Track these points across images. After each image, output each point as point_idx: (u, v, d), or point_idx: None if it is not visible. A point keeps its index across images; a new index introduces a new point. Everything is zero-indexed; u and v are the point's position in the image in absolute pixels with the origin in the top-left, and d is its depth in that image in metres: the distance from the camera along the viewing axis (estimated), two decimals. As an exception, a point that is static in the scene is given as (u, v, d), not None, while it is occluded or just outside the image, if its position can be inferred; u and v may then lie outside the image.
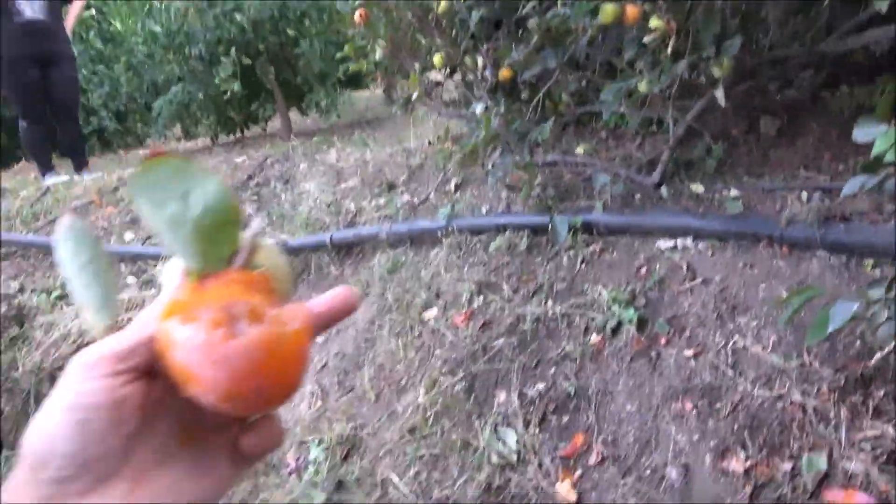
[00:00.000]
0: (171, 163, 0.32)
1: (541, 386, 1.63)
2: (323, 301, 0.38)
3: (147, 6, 4.99)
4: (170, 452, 0.35)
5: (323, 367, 2.26)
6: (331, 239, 2.77)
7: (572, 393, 1.59)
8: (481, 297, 2.01)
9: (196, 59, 4.74)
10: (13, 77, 4.12)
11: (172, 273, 0.35)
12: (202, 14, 4.53)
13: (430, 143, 3.58)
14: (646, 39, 1.88)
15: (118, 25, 6.09)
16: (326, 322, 0.39)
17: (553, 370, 1.67)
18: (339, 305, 0.38)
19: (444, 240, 2.40)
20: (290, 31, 4.67)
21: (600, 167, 2.36)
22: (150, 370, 0.33)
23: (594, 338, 1.72)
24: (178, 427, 0.35)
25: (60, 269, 0.37)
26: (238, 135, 5.59)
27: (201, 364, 0.29)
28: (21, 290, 3.21)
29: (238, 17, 4.44)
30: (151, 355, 0.32)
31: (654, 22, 1.84)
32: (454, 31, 2.80)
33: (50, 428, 0.30)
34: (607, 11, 1.92)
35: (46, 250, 3.41)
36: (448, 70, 2.83)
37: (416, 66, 2.81)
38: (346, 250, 2.80)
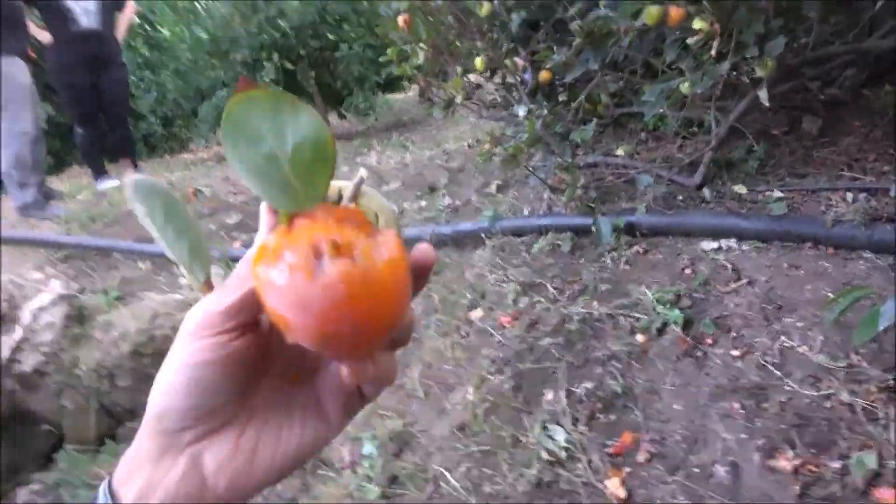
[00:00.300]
0: (263, 95, 0.29)
1: (588, 385, 1.67)
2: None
3: (193, 14, 5.15)
4: (281, 399, 0.36)
5: (371, 365, 2.34)
6: (376, 240, 2.85)
7: (620, 392, 1.63)
8: (526, 298, 2.06)
9: (240, 63, 4.88)
10: (69, 82, 4.31)
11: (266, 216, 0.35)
12: (247, 20, 4.66)
13: (469, 145, 3.64)
14: (690, 41, 1.90)
15: (165, 33, 6.30)
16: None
17: (600, 369, 1.71)
18: (421, 259, 0.35)
19: (487, 241, 2.45)
20: (330, 36, 4.77)
21: (642, 168, 2.39)
22: (257, 321, 0.34)
23: (640, 338, 1.75)
24: (288, 374, 0.36)
25: (145, 229, 0.36)
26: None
27: (290, 308, 0.28)
28: (81, 291, 3.37)
29: (281, 22, 4.56)
30: (256, 307, 0.32)
31: (699, 23, 1.86)
32: (495, 35, 2.85)
33: (167, 386, 0.32)
34: (651, 13, 1.94)
35: (104, 252, 3.56)
36: (488, 73, 2.88)
37: (458, 69, 2.87)
38: (391, 251, 2.87)
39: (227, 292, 0.33)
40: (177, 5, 5.96)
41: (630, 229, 2.15)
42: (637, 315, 1.82)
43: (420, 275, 0.35)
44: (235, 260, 3.08)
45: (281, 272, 0.28)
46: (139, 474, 0.33)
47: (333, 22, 4.78)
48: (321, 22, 4.67)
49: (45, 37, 4.25)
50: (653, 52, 2.38)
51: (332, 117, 5.72)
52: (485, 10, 2.61)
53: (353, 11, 4.96)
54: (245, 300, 0.32)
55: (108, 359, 3.03)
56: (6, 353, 3.08)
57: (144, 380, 2.88)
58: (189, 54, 5.52)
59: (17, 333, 3.10)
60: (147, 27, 6.23)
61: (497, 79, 3.00)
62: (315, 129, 0.30)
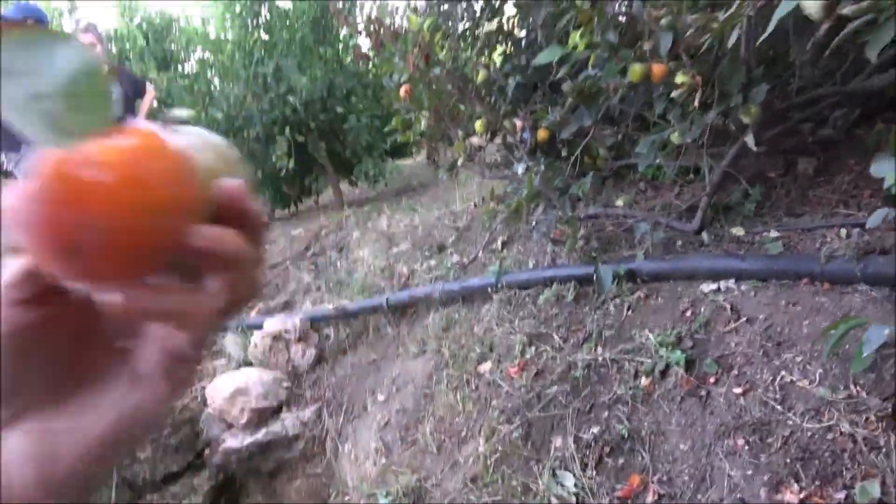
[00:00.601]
0: (20, 32, 0.26)
1: (595, 430, 1.69)
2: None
3: (208, 95, 5.42)
4: (88, 373, 0.31)
5: (386, 424, 2.37)
6: (387, 301, 2.92)
7: (626, 435, 1.64)
8: (533, 348, 2.09)
9: (253, 140, 5.10)
10: None
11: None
12: (259, 99, 4.91)
13: (475, 205, 3.74)
14: (674, 94, 2.00)
15: (184, 115, 6.60)
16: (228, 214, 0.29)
17: (606, 414, 1.73)
18: (227, 193, 0.30)
19: (494, 296, 2.51)
20: (339, 108, 4.99)
21: (640, 217, 2.45)
22: (48, 293, 0.28)
23: (644, 381, 1.77)
24: (96, 345, 0.31)
25: None
26: (293, 208, 5.90)
27: (19, 231, 0.25)
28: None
29: (291, 98, 4.79)
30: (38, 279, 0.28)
31: (680, 77, 1.96)
32: (493, 98, 2.99)
33: None
34: (636, 71, 2.06)
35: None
36: (489, 134, 3.01)
37: (459, 132, 3.00)
38: (402, 311, 2.93)
39: (13, 265, 0.28)
40: (192, 88, 6.28)
41: (631, 276, 2.20)
42: (640, 359, 1.84)
43: (232, 212, 0.29)
44: (253, 328, 3.15)
45: (8, 198, 0.25)
46: None
47: (341, 96, 5.01)
48: (329, 96, 4.90)
49: None
50: (645, 105, 2.49)
51: (344, 185, 5.90)
52: (481, 76, 2.76)
53: (359, 85, 5.20)
54: (22, 272, 0.28)
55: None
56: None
57: (164, 451, 2.92)
58: (205, 133, 5.78)
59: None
60: (166, 110, 6.54)
61: (498, 139, 3.12)
62: (83, 62, 0.27)
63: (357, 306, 3.06)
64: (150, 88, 5.00)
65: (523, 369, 2.04)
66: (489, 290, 2.54)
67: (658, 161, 2.40)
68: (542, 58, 2.33)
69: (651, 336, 1.88)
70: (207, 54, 6.06)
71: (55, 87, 0.26)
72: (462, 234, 3.38)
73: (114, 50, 7.05)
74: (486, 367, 2.18)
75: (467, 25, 3.02)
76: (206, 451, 2.82)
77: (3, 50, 0.26)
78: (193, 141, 0.31)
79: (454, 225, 3.52)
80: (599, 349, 1.94)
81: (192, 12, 7.82)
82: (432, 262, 3.18)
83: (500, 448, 1.78)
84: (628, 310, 2.09)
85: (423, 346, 2.57)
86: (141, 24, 7.45)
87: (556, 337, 2.11)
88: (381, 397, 2.50)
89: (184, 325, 0.29)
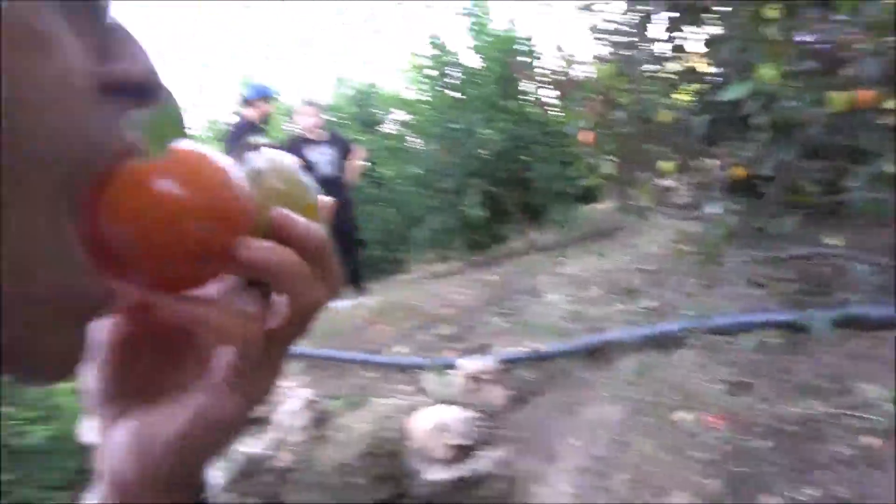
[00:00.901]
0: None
1: (811, 491, 1.56)
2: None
3: (406, 153, 5.95)
4: (176, 380, 0.34)
5: (579, 469, 2.37)
6: (579, 345, 2.94)
7: (851, 500, 1.50)
8: (735, 398, 1.99)
9: (447, 191, 5.47)
10: None
11: None
12: (452, 154, 5.27)
13: (666, 248, 3.64)
14: (884, 121, 1.83)
15: (385, 172, 7.28)
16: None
17: (824, 475, 1.60)
18: (278, 221, 0.31)
19: (689, 341, 2.42)
20: (525, 158, 5.18)
21: (857, 257, 2.24)
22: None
23: (870, 440, 1.61)
24: (185, 356, 0.35)
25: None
26: (485, 255, 6.17)
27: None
28: (322, 396, 3.87)
29: (481, 151, 5.09)
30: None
31: (892, 103, 1.80)
32: (680, 138, 2.93)
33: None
34: (837, 100, 1.92)
35: (339, 363, 4.08)
36: (678, 175, 2.94)
37: (646, 174, 2.98)
38: (594, 355, 2.93)
39: None
40: (394, 146, 6.90)
41: (849, 322, 2.01)
42: (865, 415, 1.68)
43: (287, 234, 0.31)
44: (450, 367, 3.35)
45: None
46: None
47: (526, 145, 5.20)
48: (516, 147, 5.12)
49: None
50: (853, 135, 2.29)
51: (533, 232, 6.05)
52: (667, 117, 2.73)
53: (544, 134, 5.36)
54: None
55: (345, 459, 3.40)
56: (265, 451, 3.61)
57: (378, 479, 3.18)
58: (404, 187, 6.32)
59: (273, 433, 3.64)
60: (370, 169, 7.27)
61: (687, 179, 3.04)
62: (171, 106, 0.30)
63: (549, 349, 3.11)
64: (357, 149, 5.64)
65: (725, 420, 1.95)
66: (684, 335, 2.46)
67: (876, 195, 2.18)
68: (731, 93, 2.26)
69: (878, 390, 1.70)
70: (405, 115, 6.66)
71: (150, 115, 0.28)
72: (653, 277, 3.31)
73: (330, 118, 8.01)
74: (682, 415, 2.11)
75: (650, 68, 3.02)
76: (410, 483, 3.03)
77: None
78: (262, 165, 0.32)
79: (645, 268, 3.46)
80: (813, 402, 1.80)
81: (391, 79, 8.65)
82: (623, 307, 3.15)
83: None
84: (847, 359, 1.90)
85: (616, 392, 2.55)
86: (353, 94, 8.39)
87: (760, 387, 1.98)
88: (575, 442, 2.51)
89: (229, 340, 0.31)
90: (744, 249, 2.41)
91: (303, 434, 3.64)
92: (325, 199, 0.36)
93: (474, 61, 5.75)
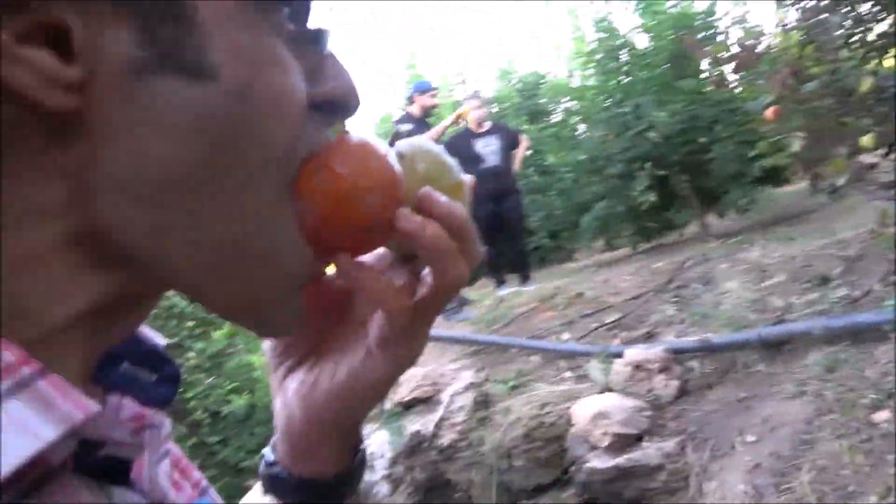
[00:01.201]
0: None
1: None
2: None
3: (573, 140, 5.86)
4: (338, 342, 0.39)
5: (756, 466, 2.21)
6: (758, 336, 2.73)
7: None
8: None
9: (615, 177, 5.30)
10: (477, 213, 5.27)
11: None
12: (619, 138, 5.11)
13: (869, 231, 3.24)
14: None
15: (551, 159, 7.24)
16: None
17: None
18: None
19: (893, 335, 2.15)
20: (702, 139, 4.86)
21: None
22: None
23: None
24: (346, 322, 0.39)
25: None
26: (654, 242, 5.90)
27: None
28: (486, 380, 3.97)
29: (651, 134, 4.86)
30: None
31: None
32: (884, 108, 2.59)
33: None
34: None
35: (503, 348, 4.15)
36: (881, 150, 2.60)
37: (842, 150, 2.67)
38: (775, 347, 2.71)
39: None
40: (560, 134, 6.84)
41: None
42: None
43: (433, 212, 0.33)
44: (615, 356, 3.28)
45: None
46: None
47: (704, 126, 4.88)
48: (690, 128, 4.82)
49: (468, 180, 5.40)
50: None
51: (710, 217, 5.67)
52: (867, 85, 2.43)
53: (724, 112, 4.98)
54: None
55: (507, 440, 3.47)
56: (431, 429, 3.80)
57: (537, 462, 3.21)
58: (571, 174, 6.23)
59: (439, 413, 3.80)
60: (536, 158, 7.26)
61: (893, 155, 2.68)
62: None
63: (724, 340, 2.92)
64: (523, 139, 5.67)
65: (935, 423, 1.71)
66: (887, 327, 2.19)
67: None
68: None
69: None
70: (572, 103, 6.56)
71: None
72: (851, 264, 2.96)
73: (495, 109, 8.13)
74: (882, 416, 1.89)
75: (848, 32, 2.69)
76: (572, 469, 3.02)
77: None
78: (407, 150, 0.36)
79: (841, 254, 3.11)
80: None
81: (559, 68, 8.56)
82: (813, 296, 2.86)
83: (900, 510, 1.53)
84: None
85: (800, 387, 2.34)
86: (516, 84, 8.44)
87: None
88: (750, 438, 2.34)
89: (382, 307, 0.34)
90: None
91: (467, 415, 3.77)
92: (467, 178, 0.38)
93: (643, 42, 5.51)
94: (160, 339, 0.36)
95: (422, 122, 4.86)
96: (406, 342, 0.36)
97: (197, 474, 0.39)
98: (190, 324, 6.80)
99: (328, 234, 0.31)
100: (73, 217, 0.25)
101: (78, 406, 0.24)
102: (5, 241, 0.24)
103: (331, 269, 0.35)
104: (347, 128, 0.34)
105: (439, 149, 0.37)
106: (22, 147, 0.24)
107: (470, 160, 5.37)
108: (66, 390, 0.24)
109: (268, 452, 0.42)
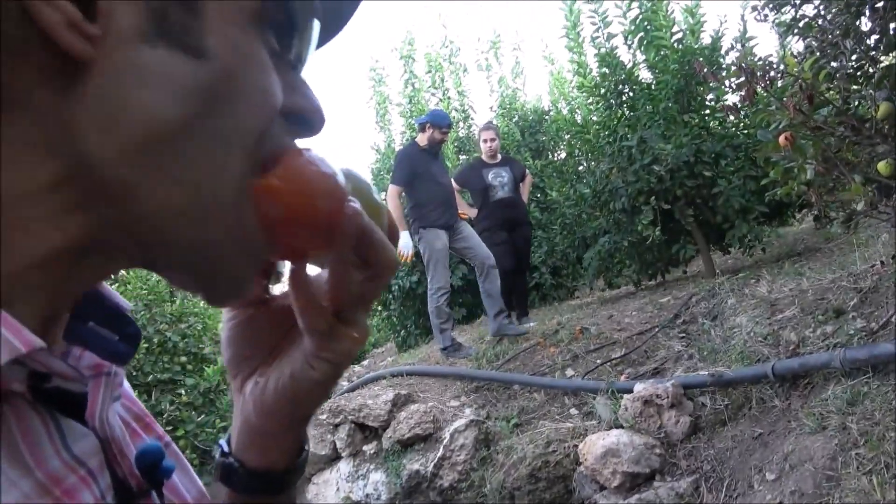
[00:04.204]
0: None
1: None
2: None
3: (576, 174, 5.82)
4: (283, 351, 0.44)
5: (777, 506, 2.08)
6: (772, 370, 2.61)
7: None
8: None
9: (619, 211, 5.23)
10: (492, 241, 5.17)
11: None
12: (624, 171, 5.06)
13: (882, 262, 3.16)
14: None
15: (553, 194, 7.20)
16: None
17: None
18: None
19: (919, 366, 2.04)
20: (706, 173, 4.80)
21: None
22: (263, 300, 0.45)
23: None
24: (288, 334, 0.44)
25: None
26: (659, 278, 5.79)
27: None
28: (488, 417, 3.83)
29: (656, 168, 4.81)
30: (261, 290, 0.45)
31: None
32: (901, 135, 2.53)
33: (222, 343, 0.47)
34: None
35: (505, 384, 4.02)
36: (898, 178, 2.53)
37: (856, 178, 2.60)
38: (791, 381, 2.59)
39: None
40: (562, 169, 6.81)
41: None
42: None
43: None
44: (623, 391, 3.15)
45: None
46: None
47: (709, 160, 4.83)
48: (696, 162, 4.77)
49: (472, 212, 5.40)
50: None
51: (715, 254, 5.59)
52: (883, 111, 2.37)
53: (729, 147, 4.94)
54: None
55: (510, 481, 3.31)
56: (430, 468, 3.63)
57: (543, 503, 3.05)
58: (573, 209, 6.16)
59: (439, 451, 3.65)
60: (537, 193, 7.22)
61: (911, 182, 2.61)
62: None
63: (736, 374, 2.80)
64: (528, 174, 5.66)
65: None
66: (911, 359, 2.08)
67: None
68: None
69: None
70: (574, 137, 6.55)
71: None
72: (867, 296, 2.87)
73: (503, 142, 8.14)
74: (913, 451, 1.77)
75: (859, 61, 2.66)
76: (579, 509, 2.86)
77: None
78: (344, 170, 0.41)
79: (855, 286, 3.01)
80: None
81: (560, 104, 8.60)
82: (828, 329, 2.75)
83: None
84: None
85: (821, 422, 2.22)
86: (518, 121, 8.46)
87: None
88: (769, 476, 2.21)
89: (303, 322, 0.40)
90: None
91: (468, 454, 3.62)
92: (383, 204, 0.44)
93: (648, 76, 5.53)
94: (125, 303, 0.39)
95: (425, 152, 4.80)
96: (337, 347, 0.41)
97: (160, 429, 0.43)
98: (182, 359, 6.66)
99: (282, 233, 0.36)
100: (60, 158, 0.27)
101: (23, 341, 0.26)
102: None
103: (281, 266, 0.43)
104: (308, 145, 0.39)
105: (363, 177, 0.43)
106: (20, 78, 0.26)
107: (481, 190, 5.36)
108: (15, 327, 0.26)
109: (223, 443, 0.46)
